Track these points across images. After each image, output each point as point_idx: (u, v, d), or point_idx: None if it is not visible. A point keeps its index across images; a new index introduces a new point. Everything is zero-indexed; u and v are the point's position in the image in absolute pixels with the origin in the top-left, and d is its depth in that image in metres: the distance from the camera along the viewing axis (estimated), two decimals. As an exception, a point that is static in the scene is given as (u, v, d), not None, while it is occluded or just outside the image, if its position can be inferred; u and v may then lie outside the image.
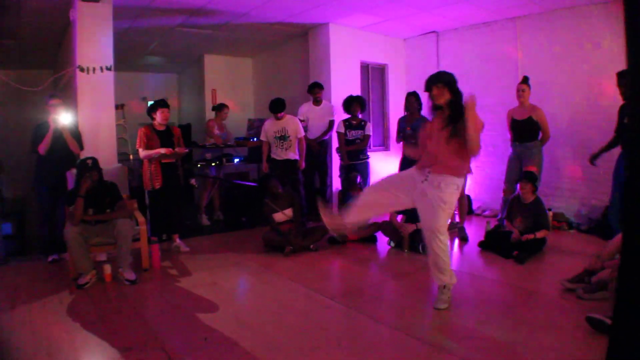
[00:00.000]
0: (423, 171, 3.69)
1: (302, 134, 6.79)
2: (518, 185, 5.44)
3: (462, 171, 3.66)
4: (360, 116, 6.87)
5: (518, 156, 6.17)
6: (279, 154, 6.71)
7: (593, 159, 5.56)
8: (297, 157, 6.75)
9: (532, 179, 5.34)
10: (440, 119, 3.65)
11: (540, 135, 6.08)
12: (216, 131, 7.75)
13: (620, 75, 5.10)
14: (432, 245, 3.67)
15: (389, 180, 3.99)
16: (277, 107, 6.56)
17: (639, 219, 1.19)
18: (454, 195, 3.65)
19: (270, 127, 6.72)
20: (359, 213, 3.95)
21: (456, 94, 3.61)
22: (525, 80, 6.10)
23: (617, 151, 5.33)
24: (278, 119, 6.63)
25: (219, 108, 7.95)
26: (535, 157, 6.04)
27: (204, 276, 4.83)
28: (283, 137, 6.64)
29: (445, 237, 3.68)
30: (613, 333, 1.30)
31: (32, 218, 6.94)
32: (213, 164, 7.59)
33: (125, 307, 4.03)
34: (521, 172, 5.87)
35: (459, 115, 3.51)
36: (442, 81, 3.60)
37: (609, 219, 5.54)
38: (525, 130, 6.05)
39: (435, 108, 3.71)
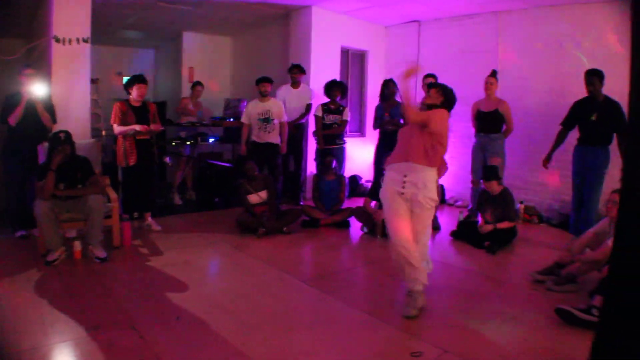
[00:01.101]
0: (398, 176, 3.56)
1: (286, 118, 6.76)
2: (482, 181, 5.55)
3: (435, 163, 3.58)
4: (339, 101, 6.84)
5: (482, 147, 6.34)
6: (261, 137, 6.63)
7: (547, 161, 5.73)
8: (278, 141, 6.70)
9: (493, 176, 5.41)
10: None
11: (504, 127, 6.26)
12: (190, 107, 7.68)
13: (589, 73, 5.23)
14: (421, 239, 3.59)
15: (395, 211, 3.58)
16: (266, 78, 6.57)
17: (632, 218, 1.21)
18: (437, 189, 3.61)
19: (253, 109, 6.63)
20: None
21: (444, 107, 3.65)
22: (493, 73, 6.27)
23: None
24: (263, 96, 6.57)
25: (192, 86, 7.87)
26: (498, 148, 6.24)
27: (176, 255, 4.79)
28: (267, 120, 6.56)
29: (430, 230, 3.67)
30: (600, 331, 1.32)
31: (0, 191, 6.75)
32: (187, 143, 7.49)
33: (95, 285, 3.98)
34: (485, 163, 6.13)
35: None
36: (442, 90, 3.67)
37: (571, 215, 5.70)
38: (491, 122, 6.22)
39: (424, 105, 3.72)
